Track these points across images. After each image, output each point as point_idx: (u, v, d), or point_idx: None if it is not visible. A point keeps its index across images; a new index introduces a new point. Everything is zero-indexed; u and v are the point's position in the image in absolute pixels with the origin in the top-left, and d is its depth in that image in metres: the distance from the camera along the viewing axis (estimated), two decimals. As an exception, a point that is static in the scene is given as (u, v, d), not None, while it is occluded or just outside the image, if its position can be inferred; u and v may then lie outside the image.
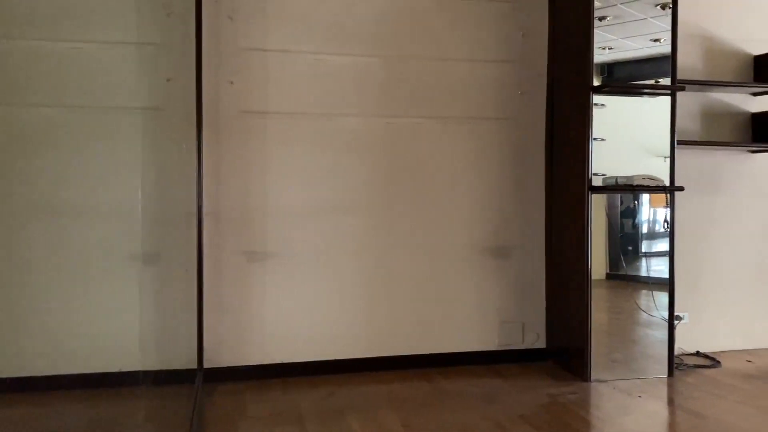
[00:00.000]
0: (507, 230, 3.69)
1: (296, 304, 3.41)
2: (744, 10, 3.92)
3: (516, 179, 3.69)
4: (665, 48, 3.44)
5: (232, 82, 3.30)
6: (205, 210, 3.25)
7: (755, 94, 3.91)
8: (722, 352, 3.86)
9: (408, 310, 3.55)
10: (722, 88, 3.81)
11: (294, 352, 3.40)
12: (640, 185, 3.33)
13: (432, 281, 3.59)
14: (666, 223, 3.45)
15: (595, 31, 3.33)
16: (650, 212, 3.62)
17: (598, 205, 3.42)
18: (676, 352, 3.61)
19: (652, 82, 3.52)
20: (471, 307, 3.65)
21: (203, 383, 3.20)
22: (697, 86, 3.70)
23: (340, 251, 3.46)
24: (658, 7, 3.45)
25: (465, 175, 3.62)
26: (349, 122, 3.47)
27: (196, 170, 3.12)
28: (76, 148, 3.06)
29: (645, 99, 3.49)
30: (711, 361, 3.68)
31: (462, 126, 3.61)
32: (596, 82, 3.33)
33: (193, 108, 3.12)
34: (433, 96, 3.57)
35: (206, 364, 3.26)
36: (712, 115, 3.88)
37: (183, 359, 3.13)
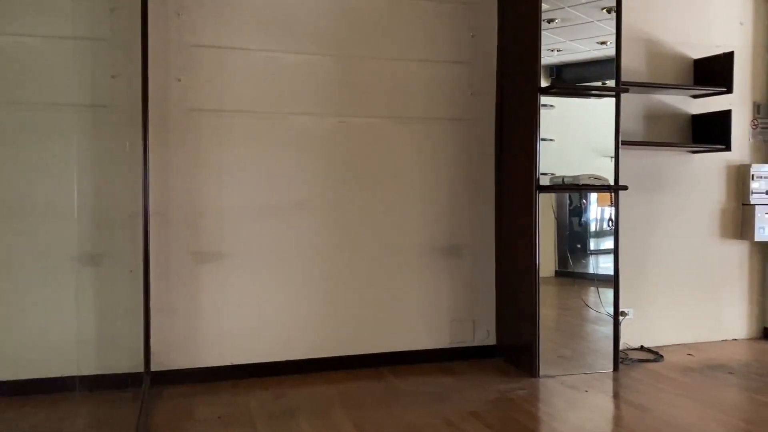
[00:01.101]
0: (458, 229, 3.72)
1: (247, 305, 3.37)
2: (685, 15, 4.05)
3: (467, 179, 3.73)
4: (611, 51, 3.52)
5: (179, 80, 3.23)
6: (152, 210, 3.18)
7: (695, 97, 4.04)
8: (665, 346, 3.99)
9: (360, 310, 3.55)
10: (664, 90, 3.93)
11: (245, 353, 3.36)
12: (586, 184, 3.41)
13: (384, 280, 3.60)
14: (611, 222, 3.54)
15: (544, 33, 3.39)
16: (598, 211, 3.70)
17: (546, 204, 3.49)
18: (622, 347, 3.71)
19: (599, 83, 3.60)
20: (423, 306, 3.67)
21: (151, 387, 3.13)
22: (640, 88, 3.81)
23: (291, 251, 3.44)
24: (604, 10, 3.53)
25: (417, 174, 3.64)
26: (301, 121, 3.44)
27: (141, 169, 3.05)
28: (8, 145, 2.95)
29: (593, 100, 3.57)
30: (654, 355, 3.80)
31: (414, 126, 3.63)
32: (545, 84, 3.39)
33: (138, 105, 3.05)
34: (385, 96, 3.57)
35: (154, 367, 3.19)
36: (655, 117, 4.00)
37: (128, 362, 3.06)
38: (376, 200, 3.57)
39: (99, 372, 2.91)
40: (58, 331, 2.93)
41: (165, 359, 3.23)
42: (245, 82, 3.34)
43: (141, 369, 3.07)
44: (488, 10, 3.73)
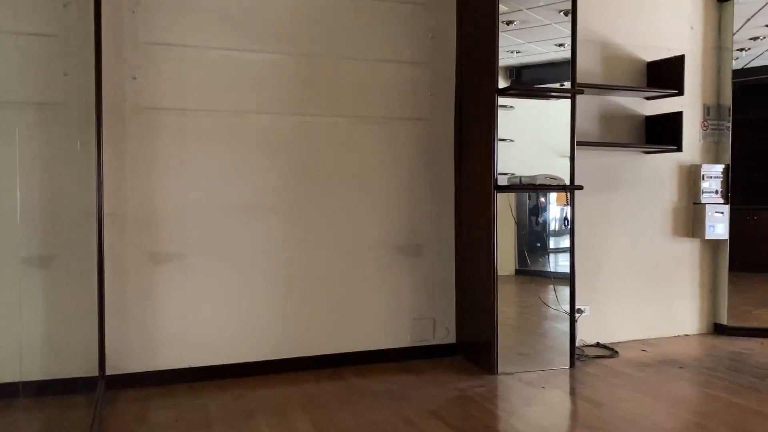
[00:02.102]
0: (419, 228, 3.74)
1: (205, 306, 3.33)
2: (638, 19, 4.15)
3: (427, 178, 3.75)
4: (569, 53, 3.58)
5: (135, 78, 3.18)
6: (107, 210, 3.12)
7: (648, 98, 4.14)
8: (620, 342, 4.08)
9: (320, 310, 3.55)
10: (618, 92, 4.02)
11: (203, 355, 3.32)
12: (542, 184, 3.46)
13: (345, 280, 3.60)
14: (566, 221, 3.61)
15: (503, 35, 3.43)
16: (557, 210, 3.77)
17: (506, 204, 3.53)
18: (578, 343, 3.79)
19: (557, 85, 3.66)
20: (384, 305, 3.68)
21: (106, 391, 3.07)
22: (596, 90, 3.89)
23: (251, 251, 3.41)
24: (562, 13, 3.59)
25: (377, 174, 3.65)
26: (261, 120, 3.42)
27: (95, 169, 2.99)
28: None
29: (551, 101, 3.63)
30: (609, 351, 3.88)
31: (374, 125, 3.64)
32: (503, 85, 3.43)
33: (92, 104, 2.99)
34: (346, 95, 3.57)
35: (109, 371, 3.13)
36: (609, 118, 4.09)
37: (81, 366, 2.99)
38: (337, 199, 3.57)
39: (48, 377, 2.84)
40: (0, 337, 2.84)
41: (121, 363, 3.17)
42: (204, 81, 3.30)
43: (95, 373, 3.00)
44: (447, 11, 3.76)
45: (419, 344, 3.75)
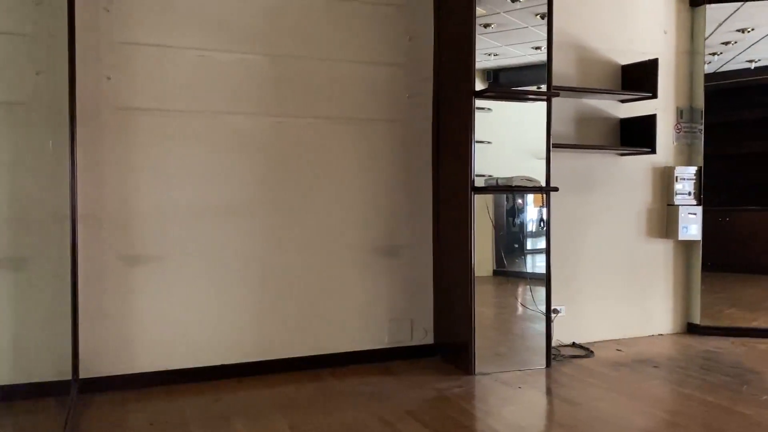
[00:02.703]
0: (396, 230, 3.75)
1: (182, 309, 3.30)
2: (613, 23, 4.20)
3: (405, 180, 3.76)
4: (545, 56, 3.61)
5: (109, 78, 3.14)
6: (81, 212, 3.08)
7: (623, 101, 4.20)
8: (596, 342, 4.13)
9: (298, 312, 3.53)
10: (594, 94, 4.07)
11: (179, 358, 3.29)
12: (519, 186, 3.49)
13: (322, 282, 3.59)
14: (542, 222, 3.64)
15: (481, 37, 3.45)
16: (534, 211, 3.80)
17: (484, 205, 3.55)
18: (554, 343, 3.82)
19: (534, 87, 3.69)
20: (361, 307, 3.68)
21: (80, 395, 3.03)
22: (571, 93, 3.94)
23: (227, 253, 3.39)
24: (538, 16, 3.62)
25: (355, 175, 3.65)
26: (236, 121, 3.40)
27: (69, 169, 2.95)
28: None
29: (529, 104, 3.66)
30: (585, 351, 3.92)
31: (352, 127, 3.64)
32: (480, 87, 3.45)
33: (65, 103, 2.95)
34: (322, 96, 3.57)
35: (83, 374, 3.09)
36: (585, 120, 4.14)
37: (54, 370, 2.94)
38: (315, 201, 3.56)
39: (19, 381, 2.79)
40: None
41: (95, 366, 3.13)
42: (179, 81, 3.27)
43: (69, 376, 2.96)
44: (424, 14, 3.77)
45: (397, 345, 3.76)
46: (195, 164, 3.31)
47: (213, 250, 3.35)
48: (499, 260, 3.76)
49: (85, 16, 3.08)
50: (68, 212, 2.96)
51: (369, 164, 3.67)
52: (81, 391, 3.07)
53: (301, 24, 3.51)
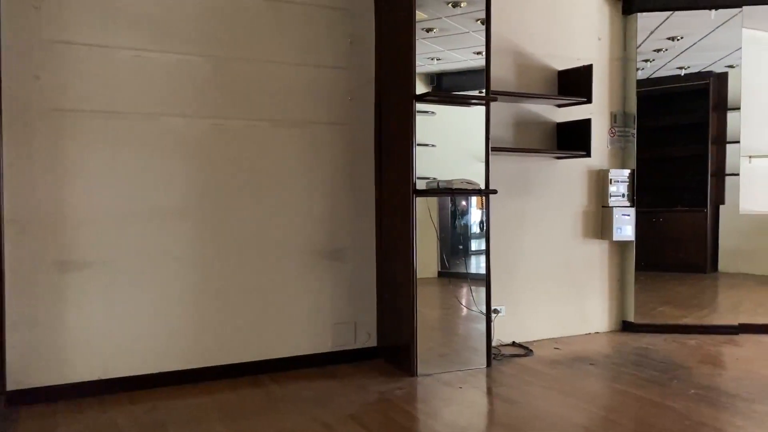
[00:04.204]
0: (339, 233, 3.74)
1: (117, 316, 3.20)
2: (550, 29, 4.31)
3: (348, 182, 3.76)
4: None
5: (38, 77, 3.02)
6: (8, 216, 2.97)
7: (560, 106, 4.31)
8: (535, 341, 4.22)
9: (238, 317, 3.48)
10: (531, 99, 4.16)
11: (114, 367, 3.20)
12: (459, 188, 3.53)
13: (264, 286, 3.55)
14: (482, 224, 3.70)
15: (423, 42, 3.48)
16: (477, 214, 3.85)
17: (429, 207, 3.58)
18: (495, 343, 3.89)
19: (476, 92, 3.74)
20: (305, 311, 3.66)
21: (7, 407, 2.91)
22: (510, 97, 4.01)
23: (165, 259, 3.31)
24: (479, 22, 3.68)
25: (297, 178, 3.62)
26: (174, 123, 3.32)
27: (-7, 173, 2.83)
28: None
29: (472, 108, 3.70)
30: (525, 350, 4.00)
31: (293, 129, 3.61)
32: (421, 90, 3.48)
33: (-10, 104, 2.83)
34: (263, 98, 3.53)
35: (10, 386, 2.97)
36: (523, 124, 4.22)
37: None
38: (255, 205, 3.52)
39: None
40: None
41: (24, 377, 3.01)
42: (113, 81, 3.18)
43: (-6, 389, 2.84)
44: (366, 17, 3.78)
45: (341, 349, 3.75)
46: (131, 167, 3.22)
47: (149, 256, 3.27)
48: (443, 262, 3.80)
49: (11, 13, 2.96)
50: (-7, 217, 2.84)
51: (311, 167, 3.65)
52: (8, 403, 2.95)
53: (241, 25, 3.46)
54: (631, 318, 4.54)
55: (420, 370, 3.48)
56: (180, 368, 3.33)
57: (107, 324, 3.18)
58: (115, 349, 3.20)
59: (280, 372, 3.54)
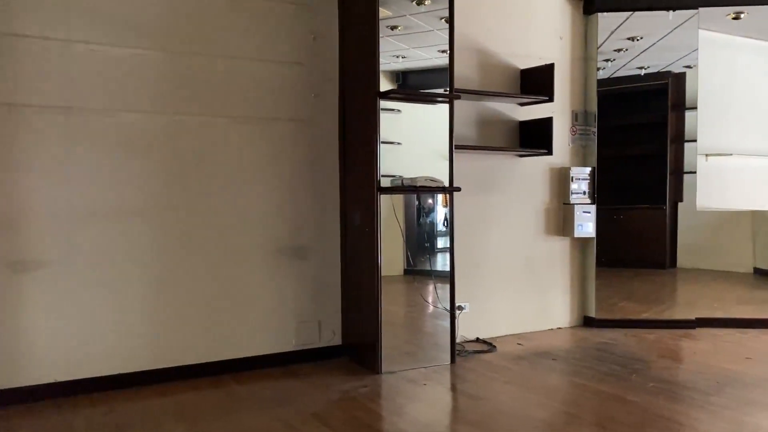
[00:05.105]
0: (304, 231, 3.71)
1: (73, 317, 3.12)
2: (512, 28, 4.34)
3: (312, 180, 3.73)
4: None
5: (-14, 71, 2.93)
6: (-44, 215, 2.86)
7: (522, 104, 4.35)
8: (499, 337, 4.25)
9: (199, 317, 3.42)
10: (494, 97, 4.19)
11: (71, 369, 3.12)
12: (423, 186, 3.54)
13: (226, 285, 3.50)
14: (446, 221, 3.71)
15: (388, 39, 3.47)
16: (443, 212, 3.86)
17: (395, 204, 3.58)
18: (459, 339, 3.91)
19: (441, 90, 3.75)
20: (268, 309, 3.62)
21: (-44, 413, 2.81)
22: (473, 95, 4.03)
23: (123, 258, 3.23)
24: (443, 20, 3.68)
25: (259, 175, 3.58)
26: (131, 119, 3.25)
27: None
28: None
29: (437, 106, 3.70)
30: (488, 346, 4.03)
31: (255, 126, 3.56)
32: (388, 88, 3.47)
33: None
34: (223, 94, 3.47)
35: (-40, 391, 2.87)
36: (486, 122, 4.25)
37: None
38: (216, 202, 3.46)
39: None
40: None
41: (-25, 381, 2.92)
42: (66, 76, 3.09)
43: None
44: (329, 13, 3.75)
45: (304, 348, 3.72)
46: (86, 164, 3.14)
47: (106, 255, 3.19)
48: (408, 260, 3.80)
49: (-41, 4, 2.86)
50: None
51: (274, 164, 3.61)
52: (-42, 408, 2.85)
53: (200, 20, 3.40)
54: (592, 313, 4.61)
55: (384, 367, 3.48)
56: (140, 369, 3.27)
57: (63, 326, 3.10)
58: (72, 351, 3.12)
59: (243, 372, 3.50)
